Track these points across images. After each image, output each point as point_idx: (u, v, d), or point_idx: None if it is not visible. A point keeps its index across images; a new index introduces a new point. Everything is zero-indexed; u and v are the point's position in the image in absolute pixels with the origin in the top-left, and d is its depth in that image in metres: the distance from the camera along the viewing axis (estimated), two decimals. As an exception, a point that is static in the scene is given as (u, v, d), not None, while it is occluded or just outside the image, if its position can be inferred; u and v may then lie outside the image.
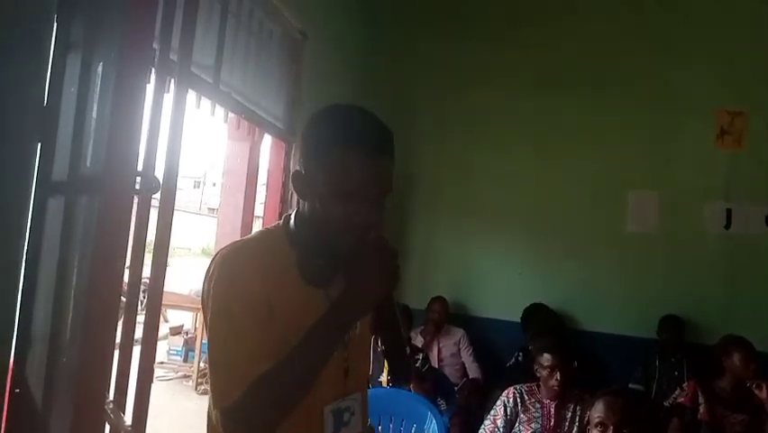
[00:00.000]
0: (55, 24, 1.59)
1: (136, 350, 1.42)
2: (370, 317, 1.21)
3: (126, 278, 1.33)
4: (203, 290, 1.11)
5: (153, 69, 1.23)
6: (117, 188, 0.89)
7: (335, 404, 1.16)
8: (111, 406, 1.08)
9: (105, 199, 0.89)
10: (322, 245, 1.12)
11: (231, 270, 1.08)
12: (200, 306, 4.08)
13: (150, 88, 1.22)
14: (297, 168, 1.13)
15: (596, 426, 1.86)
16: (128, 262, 1.39)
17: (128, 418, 1.08)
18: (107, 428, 1.12)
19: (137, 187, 1.11)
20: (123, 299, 1.46)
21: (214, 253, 1.12)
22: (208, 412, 1.15)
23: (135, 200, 1.15)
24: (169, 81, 1.31)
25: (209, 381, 1.08)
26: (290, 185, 3.77)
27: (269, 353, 1.02)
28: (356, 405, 1.21)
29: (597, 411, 1.89)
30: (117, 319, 1.07)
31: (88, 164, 1.18)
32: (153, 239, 1.32)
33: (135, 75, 0.92)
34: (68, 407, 0.96)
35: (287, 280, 1.11)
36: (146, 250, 1.42)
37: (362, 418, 1.24)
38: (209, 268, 1.11)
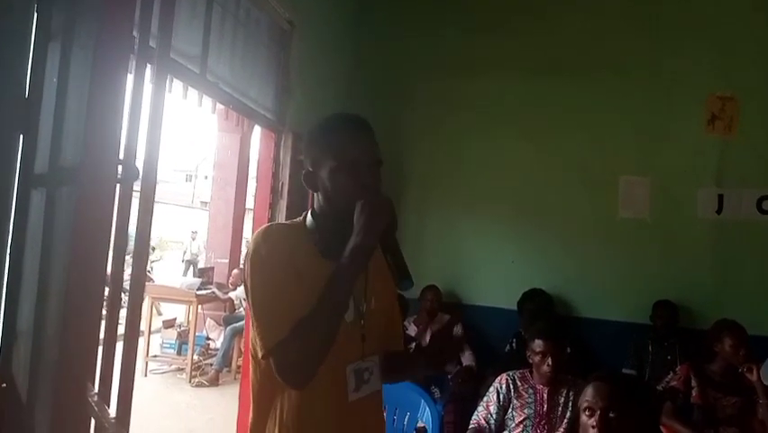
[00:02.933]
0: (35, 14, 1.56)
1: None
2: (387, 290, 1.54)
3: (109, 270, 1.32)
4: (244, 265, 1.39)
5: (133, 57, 1.21)
6: (96, 177, 0.87)
7: (356, 365, 1.41)
8: (95, 398, 1.07)
9: (84, 190, 0.87)
10: (336, 227, 1.38)
11: (266, 241, 1.36)
12: (193, 299, 4.16)
13: (130, 76, 1.20)
14: (306, 169, 1.44)
15: (584, 410, 1.85)
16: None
17: (113, 410, 1.07)
18: (93, 421, 1.10)
19: (119, 176, 1.09)
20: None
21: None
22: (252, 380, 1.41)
23: (117, 190, 1.13)
24: (150, 68, 1.29)
25: (256, 331, 1.30)
26: (281, 176, 3.77)
27: (304, 304, 1.27)
28: (374, 366, 1.47)
29: (585, 395, 1.87)
30: (100, 311, 1.05)
31: (69, 155, 1.16)
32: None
33: (113, 61, 0.90)
34: (52, 401, 0.95)
35: (309, 256, 1.38)
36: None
37: (380, 377, 1.49)
38: (248, 248, 1.40)
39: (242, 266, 1.40)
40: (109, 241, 0.99)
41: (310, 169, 1.43)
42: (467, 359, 4.46)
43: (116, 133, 0.90)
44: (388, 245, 1.35)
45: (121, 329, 1.20)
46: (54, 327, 1.11)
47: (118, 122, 0.90)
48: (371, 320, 1.46)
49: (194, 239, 14.62)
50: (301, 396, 1.33)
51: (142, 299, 1.27)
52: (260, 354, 1.31)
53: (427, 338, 4.49)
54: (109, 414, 1.04)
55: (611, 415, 1.78)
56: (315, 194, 1.45)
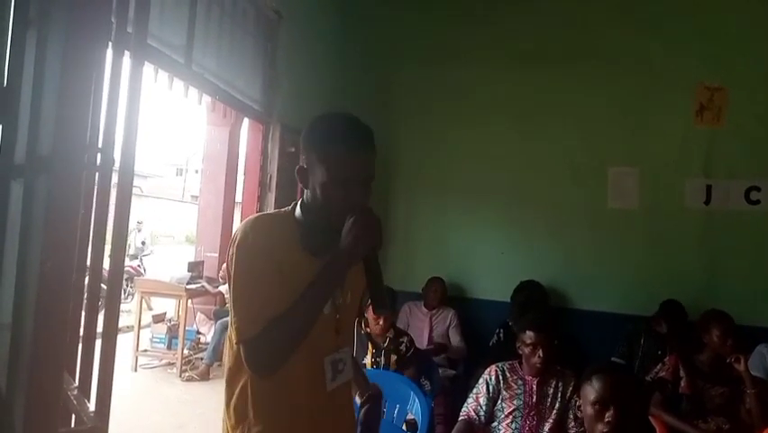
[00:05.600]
0: (13, 1, 1.52)
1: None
2: (362, 287, 1.55)
3: (101, 264, 1.30)
4: (228, 253, 1.40)
5: (111, 44, 1.19)
6: (67, 165, 0.85)
7: (332, 356, 1.46)
8: (75, 392, 1.05)
9: (57, 178, 0.84)
10: (322, 225, 1.41)
11: (250, 233, 1.38)
12: (183, 293, 4.15)
13: (108, 63, 1.18)
14: (301, 164, 1.42)
15: (594, 403, 1.76)
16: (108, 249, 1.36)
17: (92, 404, 1.05)
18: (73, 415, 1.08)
19: (97, 164, 1.07)
20: (104, 286, 1.43)
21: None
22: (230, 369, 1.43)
23: (96, 178, 1.11)
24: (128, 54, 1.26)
25: (233, 320, 1.35)
26: (269, 168, 3.74)
27: (281, 300, 1.31)
28: (347, 357, 1.53)
29: (594, 388, 1.78)
30: (79, 303, 1.03)
31: (45, 144, 1.13)
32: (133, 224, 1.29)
33: (86, 46, 0.88)
34: (27, 393, 0.93)
35: (291, 250, 1.40)
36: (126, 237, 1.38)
37: (351, 367, 1.56)
38: (234, 235, 1.41)
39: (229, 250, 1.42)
40: (77, 229, 0.96)
41: (304, 166, 1.42)
42: (455, 352, 4.47)
43: (88, 120, 0.88)
44: (371, 268, 1.37)
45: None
46: (30, 320, 1.09)
47: (90, 108, 0.87)
48: (346, 314, 1.51)
49: (139, 230, 13.87)
50: (279, 384, 1.37)
51: (120, 291, 1.24)
52: (234, 340, 1.37)
53: (427, 330, 4.51)
54: (88, 407, 1.02)
55: (627, 410, 1.71)
56: (306, 190, 1.45)
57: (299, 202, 1.49)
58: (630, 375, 1.86)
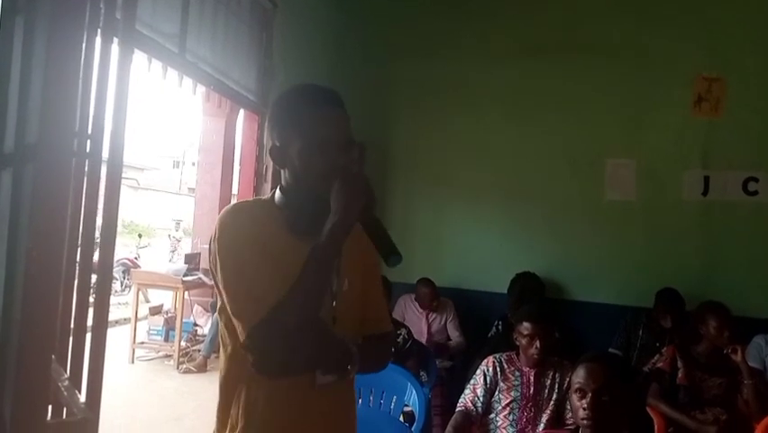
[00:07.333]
0: (1, -13, 1.50)
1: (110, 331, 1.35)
2: (360, 275, 1.44)
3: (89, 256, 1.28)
4: (210, 250, 1.32)
5: (100, 30, 1.16)
6: (54, 152, 0.83)
7: None
8: (66, 384, 1.03)
9: (43, 165, 0.82)
10: (306, 204, 1.33)
11: (232, 221, 1.31)
12: (179, 285, 4.06)
13: (97, 49, 1.15)
14: (273, 143, 1.36)
15: (575, 391, 1.82)
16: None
17: (83, 395, 1.03)
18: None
19: (87, 151, 1.04)
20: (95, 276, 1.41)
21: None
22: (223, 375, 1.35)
23: (86, 166, 1.09)
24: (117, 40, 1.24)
25: (232, 313, 1.24)
26: (266, 159, 3.71)
27: (279, 286, 1.21)
28: None
29: (577, 377, 1.83)
30: (70, 295, 1.01)
31: (33, 132, 1.11)
32: (128, 218, 1.27)
33: (71, 32, 0.85)
34: (15, 385, 0.91)
35: (278, 235, 1.32)
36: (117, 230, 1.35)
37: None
38: (214, 228, 1.31)
39: (209, 246, 1.35)
40: (66, 217, 0.95)
41: (277, 144, 1.36)
42: (455, 348, 4.47)
43: (76, 107, 0.85)
44: (369, 223, 1.28)
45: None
46: (18, 309, 1.07)
47: (79, 95, 0.85)
48: (344, 302, 1.39)
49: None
50: (267, 381, 1.27)
51: (111, 281, 1.22)
52: (240, 339, 1.22)
53: (425, 325, 4.50)
54: (79, 399, 1.01)
55: (603, 398, 1.75)
56: (283, 170, 1.37)
57: (278, 187, 1.41)
58: (612, 364, 1.88)
